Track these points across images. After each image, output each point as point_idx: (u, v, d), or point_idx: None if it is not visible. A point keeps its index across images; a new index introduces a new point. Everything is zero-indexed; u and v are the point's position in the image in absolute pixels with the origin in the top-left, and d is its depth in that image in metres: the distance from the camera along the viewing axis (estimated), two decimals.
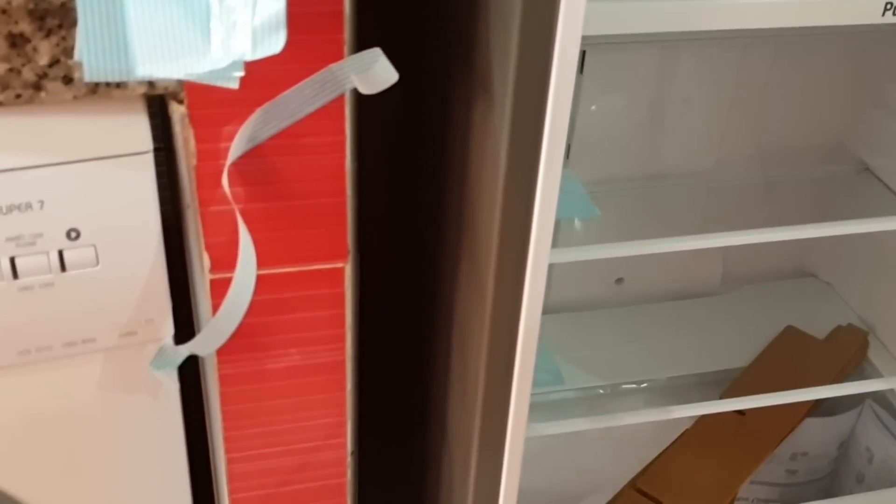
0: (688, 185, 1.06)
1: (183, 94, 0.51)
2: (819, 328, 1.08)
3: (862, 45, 1.02)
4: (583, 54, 0.95)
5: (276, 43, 0.43)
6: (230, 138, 0.53)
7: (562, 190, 0.76)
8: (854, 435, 1.06)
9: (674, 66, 0.98)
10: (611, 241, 0.76)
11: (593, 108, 0.99)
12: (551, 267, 1.07)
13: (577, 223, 1.02)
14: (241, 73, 0.43)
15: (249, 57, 0.43)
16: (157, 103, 0.54)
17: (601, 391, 1.05)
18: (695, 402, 0.92)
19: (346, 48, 0.52)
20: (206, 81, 0.44)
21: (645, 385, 1.06)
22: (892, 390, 1.02)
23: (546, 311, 1.09)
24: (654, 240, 0.76)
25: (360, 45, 0.53)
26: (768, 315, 1.09)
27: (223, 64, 0.42)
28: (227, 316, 0.55)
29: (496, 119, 0.56)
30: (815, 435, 1.03)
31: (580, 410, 1.05)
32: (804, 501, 0.92)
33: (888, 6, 0.65)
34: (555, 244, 1.05)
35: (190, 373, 0.62)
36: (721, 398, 1.00)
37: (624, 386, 1.05)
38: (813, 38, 0.98)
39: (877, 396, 1.03)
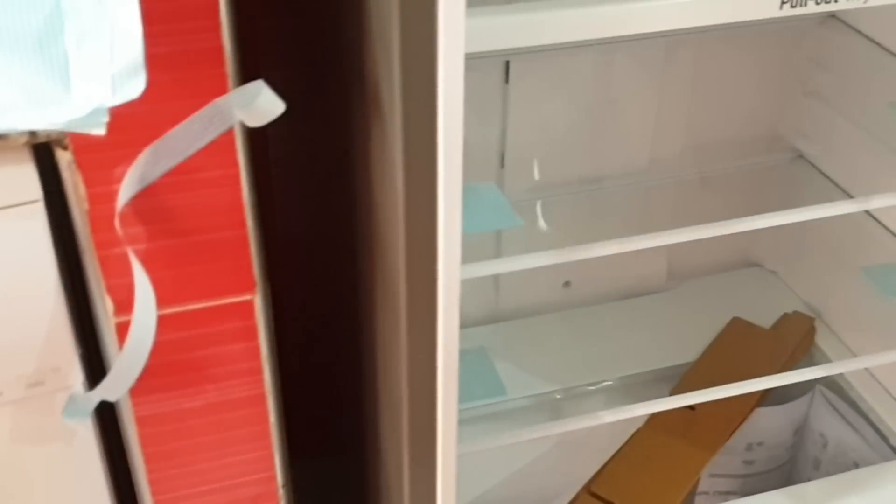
0: (625, 186, 1.06)
1: (67, 140, 0.51)
2: (767, 317, 1.08)
3: (786, 34, 1.02)
4: (507, 64, 0.95)
5: (135, 87, 0.42)
6: (120, 180, 0.53)
7: (483, 202, 0.76)
8: (808, 421, 1.06)
9: (600, 68, 0.98)
10: (554, 245, 0.76)
11: (524, 115, 0.99)
12: (499, 275, 1.07)
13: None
14: (106, 119, 0.43)
15: (110, 103, 0.42)
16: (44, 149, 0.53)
17: (557, 395, 1.05)
18: (650, 398, 0.92)
19: (229, 82, 0.52)
20: (70, 130, 0.43)
21: (599, 386, 1.06)
22: (841, 375, 1.02)
23: (496, 318, 1.11)
24: (594, 244, 0.76)
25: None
26: (715, 307, 1.10)
27: (85, 112, 0.42)
28: (131, 358, 0.54)
29: (390, 139, 0.55)
30: (768, 424, 1.04)
31: (537, 416, 1.05)
32: (764, 491, 0.92)
33: (784, 1, 0.65)
34: (498, 253, 1.05)
35: (111, 415, 0.62)
36: (671, 394, 1.00)
37: (579, 388, 1.05)
38: (736, 30, 0.99)
39: (827, 381, 1.03)
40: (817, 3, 0.66)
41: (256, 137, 0.60)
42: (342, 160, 0.70)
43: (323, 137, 0.76)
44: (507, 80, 0.96)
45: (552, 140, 1.01)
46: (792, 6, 0.65)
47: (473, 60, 0.87)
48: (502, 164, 1.01)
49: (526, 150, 1.01)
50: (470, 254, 1.02)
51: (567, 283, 1.11)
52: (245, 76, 0.55)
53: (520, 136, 0.99)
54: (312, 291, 0.89)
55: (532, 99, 0.98)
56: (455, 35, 0.52)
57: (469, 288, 1.05)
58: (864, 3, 0.67)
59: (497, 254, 1.04)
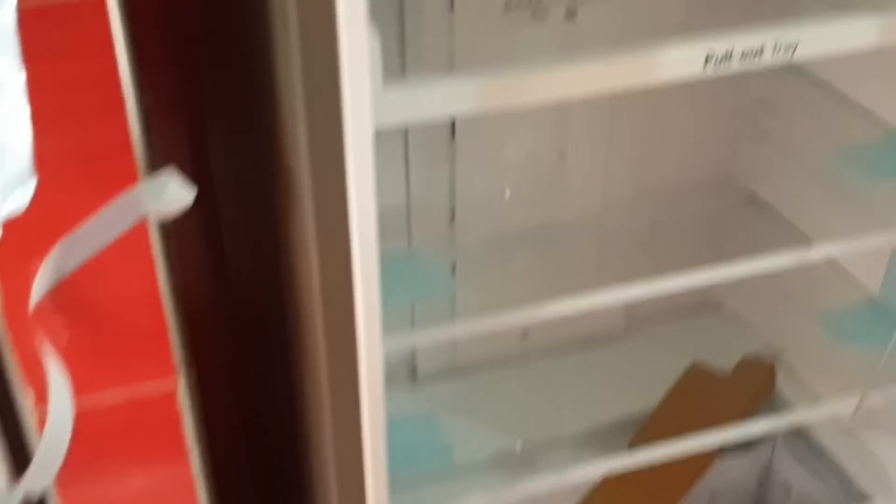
0: (578, 234, 1.05)
1: None
2: (727, 360, 1.08)
3: (734, 78, 1.02)
4: (454, 122, 0.95)
5: (24, 196, 0.42)
6: (34, 274, 0.52)
7: (423, 269, 0.76)
8: (771, 469, 1.05)
9: (548, 119, 0.98)
10: (511, 296, 0.76)
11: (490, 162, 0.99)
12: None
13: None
14: None
15: None
16: None
17: (517, 449, 1.04)
18: (612, 448, 0.91)
19: (140, 173, 0.52)
20: None
21: (560, 437, 1.05)
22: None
23: (454, 372, 1.10)
24: (550, 301, 0.77)
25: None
26: (675, 352, 1.09)
27: None
28: (50, 450, 0.54)
29: (306, 221, 0.55)
30: (731, 473, 1.03)
31: (498, 471, 1.04)
32: None
33: (708, 59, 0.65)
34: (453, 309, 1.04)
35: None
36: (629, 446, 0.99)
37: (539, 441, 1.05)
38: None
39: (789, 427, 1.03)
40: (742, 60, 0.66)
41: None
42: (270, 243, 0.70)
43: (252, 222, 0.76)
44: (453, 135, 0.95)
45: (502, 192, 1.01)
46: (716, 64, 0.65)
47: (419, 122, 0.87)
48: (453, 219, 1.00)
49: (476, 203, 1.00)
50: (421, 312, 1.02)
51: (525, 334, 1.10)
52: (158, 164, 0.54)
53: (470, 190, 0.99)
54: (246, 374, 0.88)
55: (480, 153, 0.97)
56: (362, 112, 0.51)
57: (426, 343, 1.04)
58: (791, 57, 0.67)
59: (452, 309, 1.04)
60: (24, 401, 0.56)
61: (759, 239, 1.06)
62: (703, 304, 1.16)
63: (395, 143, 0.93)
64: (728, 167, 1.07)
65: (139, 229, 0.53)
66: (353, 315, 0.56)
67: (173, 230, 0.58)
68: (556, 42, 0.93)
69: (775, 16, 0.67)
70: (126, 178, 0.52)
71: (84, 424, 0.56)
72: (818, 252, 0.82)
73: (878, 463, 0.97)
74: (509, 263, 1.05)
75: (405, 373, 1.08)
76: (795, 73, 0.99)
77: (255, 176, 0.70)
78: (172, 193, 0.50)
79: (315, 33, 0.49)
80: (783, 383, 1.05)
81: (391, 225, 0.96)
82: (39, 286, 0.52)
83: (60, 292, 0.53)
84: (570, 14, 0.92)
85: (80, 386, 0.55)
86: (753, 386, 1.03)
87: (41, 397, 0.55)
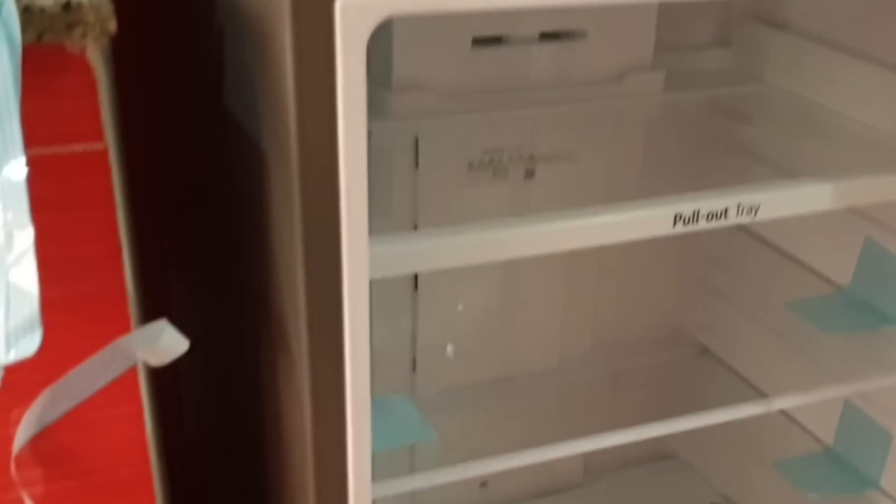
0: (536, 384, 1.06)
1: None
2: None
3: (684, 235, 1.06)
4: (416, 275, 0.97)
5: (31, 344, 0.42)
6: (16, 423, 0.51)
7: (396, 416, 0.76)
8: None
9: (507, 273, 1.01)
10: (470, 446, 0.76)
11: (459, 307, 1.00)
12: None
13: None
14: (0, 375, 0.42)
15: (4, 361, 0.42)
16: None
17: None
18: None
19: (132, 322, 0.52)
20: None
21: None
22: None
23: None
24: (508, 455, 0.77)
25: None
26: (634, 502, 1.09)
27: None
28: None
29: (298, 371, 0.56)
30: None
31: None
32: None
33: (677, 217, 0.68)
34: (412, 459, 1.04)
35: None
36: None
37: None
38: None
39: None
40: (708, 221, 0.69)
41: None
42: (248, 386, 0.70)
43: (229, 364, 0.76)
44: (416, 287, 0.97)
45: (462, 342, 1.02)
46: (685, 223, 0.68)
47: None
48: (414, 369, 1.01)
49: (437, 353, 1.01)
50: (381, 462, 1.01)
51: (484, 484, 1.09)
52: (150, 314, 0.55)
53: (430, 340, 1.00)
54: None
55: (441, 303, 0.99)
56: (359, 264, 0.53)
57: (384, 495, 1.03)
58: (753, 218, 0.71)
59: (411, 460, 1.03)
60: None
61: (711, 390, 1.09)
62: (658, 453, 1.17)
63: None
64: (679, 320, 1.10)
65: (128, 377, 0.53)
66: (345, 465, 0.57)
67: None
68: (515, 200, 0.96)
69: (723, 182, 0.71)
70: (119, 327, 0.52)
71: None
72: (774, 404, 0.84)
73: None
74: (469, 413, 1.05)
75: None
76: (744, 233, 1.03)
77: (237, 333, 0.71)
78: (166, 342, 0.51)
79: (316, 191, 0.51)
80: None
81: None
82: (22, 435, 0.51)
83: (43, 441, 0.53)
84: (529, 173, 0.96)
85: None
86: None
87: None
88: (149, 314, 0.54)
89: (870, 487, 0.91)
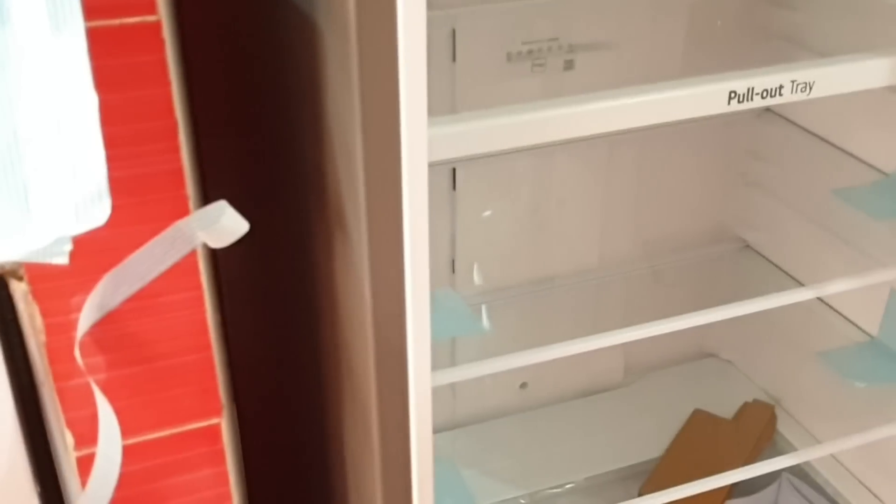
0: (576, 284, 1.06)
1: (22, 271, 0.49)
2: (727, 407, 1.08)
3: (724, 128, 1.04)
4: (453, 171, 0.95)
5: (100, 214, 0.41)
6: (78, 309, 0.51)
7: (444, 309, 0.75)
8: None
9: (545, 169, 0.99)
10: (510, 348, 0.76)
11: (486, 213, 0.99)
12: (455, 382, 1.05)
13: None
14: (68, 248, 0.41)
15: (74, 231, 0.41)
16: None
17: (522, 501, 1.03)
18: (616, 498, 0.89)
19: (190, 204, 0.51)
20: (31, 260, 0.42)
21: (564, 488, 1.04)
22: (806, 461, 1.02)
23: (454, 425, 1.09)
24: (552, 345, 0.75)
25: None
26: (675, 400, 1.09)
27: (47, 241, 0.41)
28: (95, 494, 0.52)
29: (356, 253, 0.55)
30: None
31: None
32: None
33: (732, 95, 0.66)
34: (453, 359, 1.04)
35: None
36: (639, 494, 0.98)
37: (543, 492, 1.03)
38: (676, 126, 1.01)
39: (793, 469, 1.03)
40: (763, 98, 0.68)
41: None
42: (299, 274, 0.69)
43: (276, 254, 0.75)
44: (454, 186, 0.96)
45: (502, 243, 1.01)
46: (739, 101, 0.67)
47: None
48: (453, 269, 1.00)
49: (476, 254, 1.01)
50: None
51: (524, 385, 1.10)
52: (203, 195, 0.54)
53: (470, 241, 0.99)
54: (274, 411, 0.86)
55: (480, 203, 0.98)
56: (419, 145, 0.52)
57: (441, 384, 1.03)
58: (808, 95, 0.69)
59: (452, 360, 1.03)
60: (63, 444, 0.54)
61: (753, 285, 1.08)
62: (698, 352, 1.16)
63: None
64: (720, 215, 1.09)
65: (188, 261, 0.52)
66: (405, 352, 0.56)
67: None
68: (554, 91, 0.94)
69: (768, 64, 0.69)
70: (177, 209, 0.51)
71: (125, 467, 0.54)
72: (817, 291, 0.83)
73: (879, 500, 0.97)
74: (508, 314, 1.04)
75: None
76: (786, 123, 1.02)
77: (288, 222, 0.70)
78: (226, 224, 0.50)
79: (375, 71, 0.49)
80: (784, 427, 1.06)
81: None
82: (84, 321, 0.51)
83: (105, 328, 0.52)
84: (568, 64, 0.94)
85: (125, 426, 0.53)
86: (756, 429, 1.04)
87: (81, 440, 0.54)
88: (204, 196, 0.53)
89: None
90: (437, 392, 1.05)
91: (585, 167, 1.01)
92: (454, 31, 0.89)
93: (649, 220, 1.06)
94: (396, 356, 0.56)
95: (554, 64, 0.94)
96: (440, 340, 0.74)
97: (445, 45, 0.89)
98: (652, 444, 1.05)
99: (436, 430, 1.06)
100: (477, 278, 1.02)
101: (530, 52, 0.92)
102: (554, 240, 1.03)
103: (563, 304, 1.07)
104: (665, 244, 1.08)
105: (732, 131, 1.05)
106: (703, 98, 0.65)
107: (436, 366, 0.98)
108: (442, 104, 0.91)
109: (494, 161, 0.96)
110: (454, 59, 0.90)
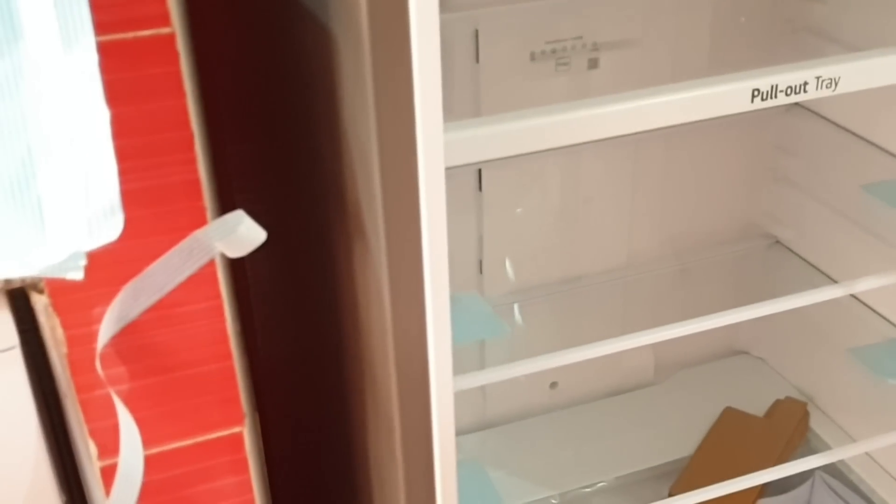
0: (604, 283, 1.05)
1: (42, 284, 0.50)
2: (758, 405, 1.07)
3: (752, 123, 1.03)
4: (479, 172, 0.95)
5: (113, 229, 0.41)
6: (99, 320, 0.51)
7: (467, 312, 0.75)
8: None
9: (571, 169, 0.99)
10: (539, 348, 0.75)
11: (518, 211, 0.98)
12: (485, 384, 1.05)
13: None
14: (83, 263, 0.42)
15: (87, 246, 0.41)
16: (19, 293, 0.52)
17: (553, 501, 1.03)
18: (647, 497, 0.89)
19: (208, 214, 0.51)
20: (47, 275, 0.42)
21: (595, 487, 1.03)
22: (840, 459, 1.01)
23: (484, 426, 1.09)
24: (581, 347, 0.75)
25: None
26: (706, 398, 1.08)
27: (62, 257, 0.41)
28: (119, 503, 0.52)
29: (375, 257, 0.55)
30: None
31: None
32: None
33: (755, 93, 0.65)
34: (482, 360, 1.04)
35: None
36: (670, 493, 0.98)
37: (574, 492, 1.03)
38: (703, 122, 1.00)
39: (826, 467, 1.02)
40: (787, 95, 0.67)
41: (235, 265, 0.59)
42: (319, 281, 0.69)
43: (300, 262, 0.75)
44: (480, 187, 0.96)
45: (529, 243, 1.01)
46: (763, 99, 0.66)
47: (446, 170, 0.86)
48: (481, 270, 1.00)
49: (504, 255, 1.00)
50: (455, 364, 1.01)
51: (554, 385, 1.09)
52: (221, 206, 0.54)
53: (497, 241, 0.99)
54: (297, 417, 0.87)
55: (506, 204, 0.98)
56: (435, 150, 0.52)
57: (456, 396, 1.03)
58: (834, 92, 0.68)
59: (481, 361, 1.03)
60: (87, 453, 0.54)
61: (784, 282, 1.07)
62: (729, 350, 1.15)
63: None
64: (749, 211, 1.08)
65: (207, 271, 0.52)
66: (426, 357, 0.56)
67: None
68: (580, 90, 0.94)
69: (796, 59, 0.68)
70: (195, 220, 0.51)
71: (148, 476, 0.55)
72: (848, 288, 0.82)
73: None
74: (536, 314, 1.04)
75: None
76: (814, 116, 1.00)
77: (307, 228, 0.70)
78: (243, 234, 0.50)
79: (390, 76, 0.49)
80: (817, 424, 1.05)
81: None
82: (105, 332, 0.51)
83: (125, 338, 0.52)
84: (593, 63, 0.94)
85: (147, 436, 0.54)
86: (788, 427, 1.03)
87: (104, 450, 0.54)
88: (222, 206, 0.53)
89: None
90: (466, 393, 1.05)
91: (612, 165, 1.00)
92: (477, 32, 0.88)
93: (677, 218, 1.05)
94: (417, 363, 0.56)
95: (578, 63, 0.93)
96: (465, 344, 0.74)
97: (469, 47, 0.89)
98: (683, 443, 1.04)
99: (466, 431, 1.07)
100: (506, 278, 1.02)
101: (554, 51, 0.91)
102: (582, 239, 1.03)
103: (591, 304, 1.06)
104: (694, 241, 1.07)
105: (760, 127, 1.03)
106: (726, 97, 0.64)
107: (465, 367, 0.98)
108: (466, 105, 0.91)
109: (521, 161, 0.96)
110: (478, 59, 0.90)
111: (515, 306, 1.04)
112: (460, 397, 1.03)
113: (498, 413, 1.08)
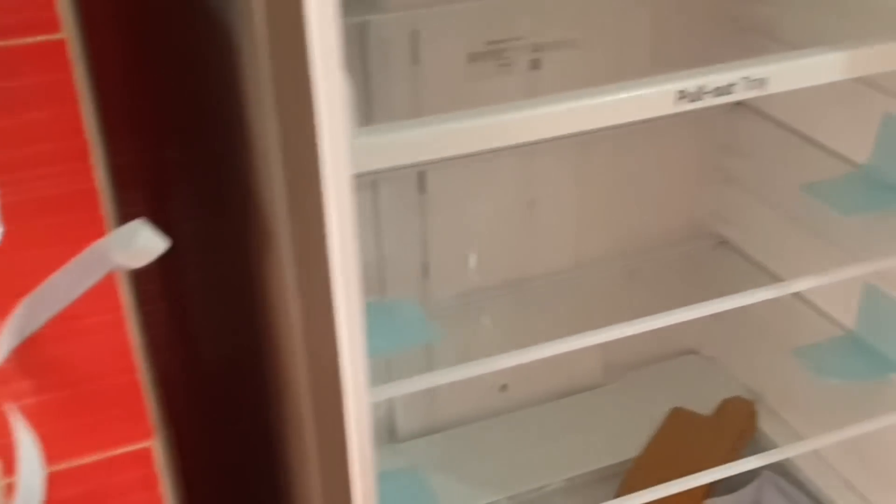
0: (552, 284, 1.04)
1: None
2: (707, 404, 1.07)
3: (698, 123, 1.03)
4: (423, 175, 0.94)
5: None
6: None
7: (400, 318, 0.74)
8: None
9: (516, 170, 0.98)
10: (488, 349, 0.74)
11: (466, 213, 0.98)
12: (435, 386, 1.04)
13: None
14: None
15: None
16: None
17: None
18: (597, 498, 0.88)
19: (106, 224, 0.50)
20: None
21: (545, 490, 1.03)
22: (788, 459, 1.00)
23: (434, 430, 1.08)
24: (528, 348, 0.75)
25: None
26: (655, 398, 1.08)
27: None
28: None
29: (285, 267, 0.54)
30: None
31: None
32: None
33: (681, 94, 0.65)
34: (430, 363, 1.03)
35: None
36: (617, 494, 0.97)
37: (524, 495, 1.02)
38: (648, 123, 0.99)
39: (774, 466, 1.01)
40: (714, 96, 0.66)
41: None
42: (241, 289, 0.68)
43: (222, 267, 0.74)
44: (423, 190, 0.95)
45: (475, 245, 1.00)
46: (691, 101, 0.65)
47: (388, 173, 0.86)
48: (426, 274, 0.99)
49: (449, 258, 0.99)
50: (401, 366, 1.00)
51: (504, 387, 1.08)
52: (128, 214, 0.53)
53: (442, 244, 0.98)
54: (229, 430, 0.85)
55: (451, 206, 0.97)
56: (340, 156, 0.51)
57: (403, 400, 1.03)
58: (762, 92, 0.67)
59: (429, 363, 1.02)
60: None
61: (730, 282, 1.06)
62: (679, 349, 1.15)
63: (365, 196, 0.92)
64: (696, 211, 1.08)
65: (108, 283, 0.51)
66: (338, 368, 0.55)
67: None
68: (521, 91, 0.93)
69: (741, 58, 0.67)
70: (93, 230, 0.50)
71: (56, 493, 0.53)
72: (792, 287, 0.82)
73: (862, 496, 0.96)
74: (486, 316, 1.03)
75: (385, 433, 1.05)
76: (759, 117, 1.00)
77: (222, 236, 0.69)
78: (143, 242, 0.49)
79: (290, 81, 0.48)
80: (765, 423, 1.05)
81: (364, 280, 0.95)
82: (3, 346, 0.50)
83: (26, 352, 0.51)
84: (535, 64, 0.93)
85: (52, 452, 0.53)
86: (736, 426, 1.02)
87: (10, 467, 0.53)
88: (129, 216, 0.52)
89: (893, 371, 0.89)
90: (414, 397, 1.04)
91: (559, 166, 0.99)
92: (416, 33, 0.87)
93: (625, 218, 1.05)
94: (330, 373, 0.55)
95: (520, 63, 0.92)
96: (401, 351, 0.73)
97: (407, 48, 0.88)
98: (633, 443, 1.03)
99: (414, 435, 1.06)
100: (452, 281, 1.01)
101: (494, 52, 0.90)
102: (528, 241, 1.02)
103: (540, 305, 1.06)
104: (641, 242, 1.07)
105: (706, 127, 1.03)
106: (650, 99, 0.64)
107: (410, 372, 0.97)
108: (405, 106, 0.90)
109: (466, 163, 0.95)
110: (417, 61, 0.89)
111: (463, 309, 1.03)
112: (407, 400, 1.02)
113: (447, 416, 1.07)
